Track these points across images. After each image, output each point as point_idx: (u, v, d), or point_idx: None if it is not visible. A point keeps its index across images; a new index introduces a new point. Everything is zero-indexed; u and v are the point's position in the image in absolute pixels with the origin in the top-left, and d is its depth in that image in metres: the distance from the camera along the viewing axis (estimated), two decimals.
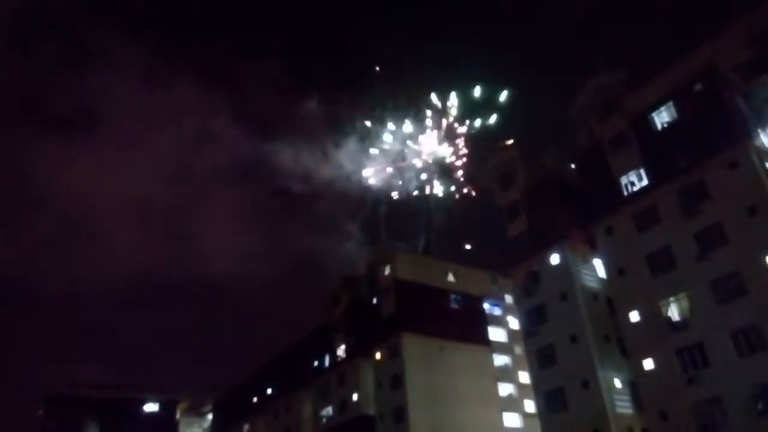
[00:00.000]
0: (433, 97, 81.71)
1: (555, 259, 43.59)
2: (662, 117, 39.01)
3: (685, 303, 35.01)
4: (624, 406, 38.02)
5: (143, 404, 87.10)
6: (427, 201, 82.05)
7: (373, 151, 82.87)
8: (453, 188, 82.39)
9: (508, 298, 62.35)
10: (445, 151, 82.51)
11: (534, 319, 44.41)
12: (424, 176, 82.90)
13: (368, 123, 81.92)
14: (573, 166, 46.48)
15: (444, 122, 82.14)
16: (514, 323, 60.91)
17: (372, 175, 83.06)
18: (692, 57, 37.85)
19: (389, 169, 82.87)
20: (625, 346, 38.49)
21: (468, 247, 75.83)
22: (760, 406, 30.20)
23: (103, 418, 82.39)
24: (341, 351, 63.37)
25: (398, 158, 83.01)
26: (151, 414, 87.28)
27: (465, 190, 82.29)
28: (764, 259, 31.62)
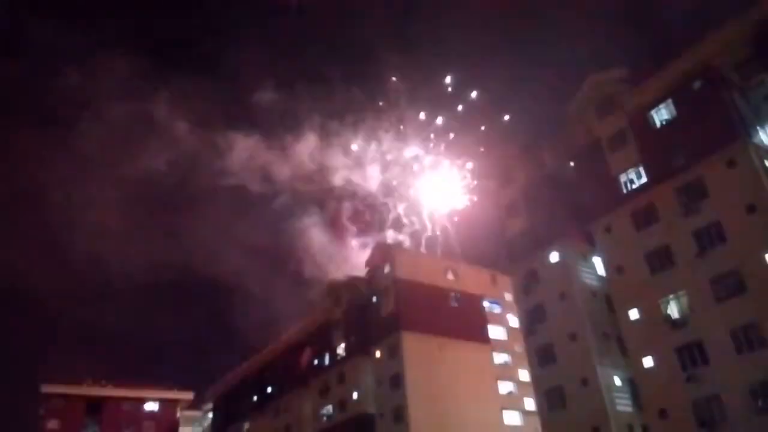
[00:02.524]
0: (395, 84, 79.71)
1: (554, 257, 43.62)
2: (661, 115, 39.02)
3: (684, 301, 35.07)
4: (623, 404, 38.08)
5: (143, 403, 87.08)
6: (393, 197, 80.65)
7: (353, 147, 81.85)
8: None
9: (508, 296, 62.28)
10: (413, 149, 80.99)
11: (533, 317, 44.46)
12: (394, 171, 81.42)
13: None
14: (572, 163, 46.46)
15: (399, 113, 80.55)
16: (513, 321, 60.86)
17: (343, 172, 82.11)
18: (691, 55, 37.82)
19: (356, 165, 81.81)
20: (624, 345, 38.52)
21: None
22: (759, 404, 30.29)
23: (103, 417, 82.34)
24: (341, 349, 63.42)
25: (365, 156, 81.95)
26: (152, 412, 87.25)
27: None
28: (763, 256, 31.68)
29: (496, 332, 62.13)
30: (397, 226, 77.76)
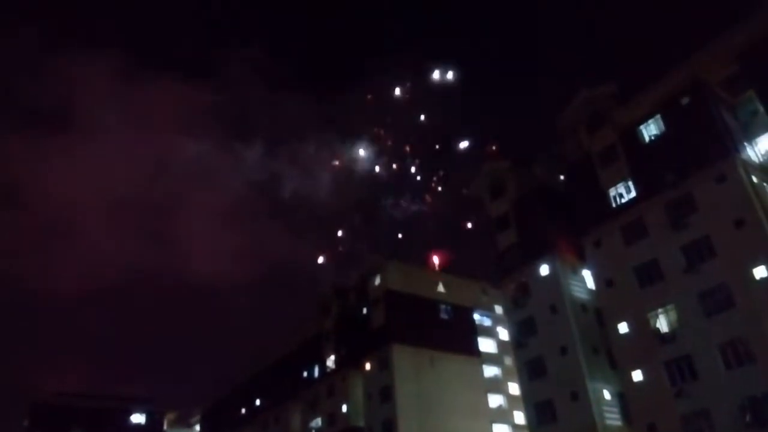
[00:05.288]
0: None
1: (544, 270, 43.69)
2: (650, 130, 39.36)
3: (673, 315, 35.20)
4: (613, 418, 38.03)
5: (130, 415, 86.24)
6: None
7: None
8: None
9: (498, 309, 62.31)
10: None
11: (523, 330, 44.45)
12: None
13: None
14: (562, 177, 46.75)
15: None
16: (504, 334, 60.85)
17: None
18: (680, 71, 38.28)
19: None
20: (614, 358, 38.58)
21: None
22: (747, 418, 30.31)
23: (89, 429, 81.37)
24: (331, 362, 63.07)
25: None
26: (138, 425, 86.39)
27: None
28: (751, 271, 31.84)
29: (486, 345, 62.04)
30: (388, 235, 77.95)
